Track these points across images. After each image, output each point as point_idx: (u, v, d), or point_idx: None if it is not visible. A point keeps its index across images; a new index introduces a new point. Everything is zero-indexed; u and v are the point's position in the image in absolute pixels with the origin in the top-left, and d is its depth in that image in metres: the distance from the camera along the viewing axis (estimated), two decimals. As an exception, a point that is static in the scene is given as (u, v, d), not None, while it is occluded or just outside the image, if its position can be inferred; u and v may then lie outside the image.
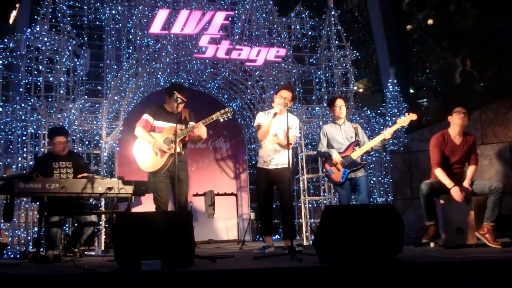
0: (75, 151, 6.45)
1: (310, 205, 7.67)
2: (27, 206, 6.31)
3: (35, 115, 6.52)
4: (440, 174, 5.49)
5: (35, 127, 6.56)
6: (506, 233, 5.00)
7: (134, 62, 7.19)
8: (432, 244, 5.44)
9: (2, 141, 6.59)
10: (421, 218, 5.62)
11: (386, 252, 4.15)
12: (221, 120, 5.48)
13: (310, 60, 8.47)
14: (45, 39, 6.60)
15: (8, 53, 6.70)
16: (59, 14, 6.81)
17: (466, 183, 5.39)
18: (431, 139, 5.72)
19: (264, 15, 8.13)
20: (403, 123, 5.86)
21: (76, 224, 5.90)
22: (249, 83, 8.22)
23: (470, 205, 5.41)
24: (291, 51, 8.21)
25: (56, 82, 6.59)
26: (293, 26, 8.51)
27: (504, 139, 7.61)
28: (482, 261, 3.97)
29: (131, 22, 7.42)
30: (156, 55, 7.38)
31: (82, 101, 6.81)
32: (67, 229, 6.30)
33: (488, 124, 7.79)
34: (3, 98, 7.00)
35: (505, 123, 7.64)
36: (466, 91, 11.07)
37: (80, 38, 7.34)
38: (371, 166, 7.99)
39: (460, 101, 5.77)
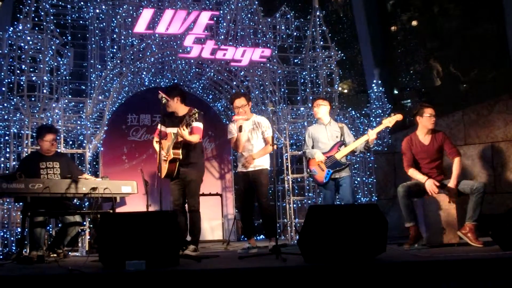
0: (60, 151, 6.38)
1: (294, 205, 7.70)
2: (9, 206, 6.24)
3: (18, 115, 6.45)
4: (413, 172, 5.60)
5: (18, 127, 6.50)
6: (487, 232, 5.05)
7: (119, 61, 7.15)
8: (416, 245, 5.47)
9: (-16, 141, 6.51)
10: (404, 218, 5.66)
11: (370, 252, 4.18)
12: (192, 121, 5.34)
13: (295, 61, 8.50)
14: (28, 38, 6.54)
15: (-10, 52, 6.63)
16: (42, 13, 6.74)
17: (452, 183, 5.44)
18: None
19: (249, 15, 8.14)
20: (389, 124, 5.89)
21: (60, 225, 5.85)
22: (234, 83, 8.22)
23: (452, 204, 5.48)
24: (276, 52, 8.23)
25: (39, 82, 6.53)
26: (278, 27, 8.52)
27: (486, 140, 7.72)
28: (464, 260, 4.02)
29: (115, 21, 7.37)
30: (140, 55, 7.35)
31: (66, 100, 6.75)
32: (50, 229, 6.24)
33: (471, 125, 7.89)
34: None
35: (487, 124, 7.74)
36: (449, 92, 11.19)
37: (64, 37, 7.28)
38: (355, 166, 8.04)
39: (428, 101, 5.83)
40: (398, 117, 5.85)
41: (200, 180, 5.71)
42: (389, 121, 5.86)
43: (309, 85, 8.21)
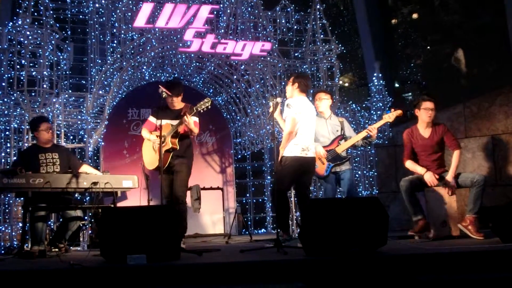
0: (57, 143, 6.37)
1: (295, 199, 7.69)
2: (10, 201, 6.25)
3: (18, 110, 6.45)
4: (410, 165, 5.61)
5: (18, 122, 6.49)
6: (487, 224, 5.07)
7: (119, 56, 7.14)
8: (416, 237, 5.49)
9: (-15, 136, 6.52)
10: (406, 211, 5.67)
11: (371, 244, 4.19)
12: (201, 110, 5.40)
13: (296, 54, 8.48)
14: (28, 32, 6.52)
15: (-11, 47, 6.62)
16: (42, 7, 6.72)
17: (449, 176, 5.43)
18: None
19: (249, 9, 8.11)
20: (389, 119, 5.90)
21: (61, 220, 5.86)
22: (235, 77, 8.21)
23: (453, 197, 5.48)
24: (276, 45, 8.21)
25: (39, 77, 6.51)
26: (278, 20, 8.51)
27: (487, 133, 7.71)
28: (465, 253, 4.03)
29: (115, 16, 7.35)
30: (140, 49, 7.33)
31: (66, 95, 6.75)
32: (52, 224, 6.25)
33: (472, 118, 7.88)
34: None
35: (487, 117, 7.73)
36: (450, 85, 11.18)
37: (64, 32, 7.27)
38: (356, 159, 8.04)
39: (429, 92, 5.80)
40: (398, 112, 5.86)
41: (189, 172, 5.63)
42: (389, 117, 5.88)
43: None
